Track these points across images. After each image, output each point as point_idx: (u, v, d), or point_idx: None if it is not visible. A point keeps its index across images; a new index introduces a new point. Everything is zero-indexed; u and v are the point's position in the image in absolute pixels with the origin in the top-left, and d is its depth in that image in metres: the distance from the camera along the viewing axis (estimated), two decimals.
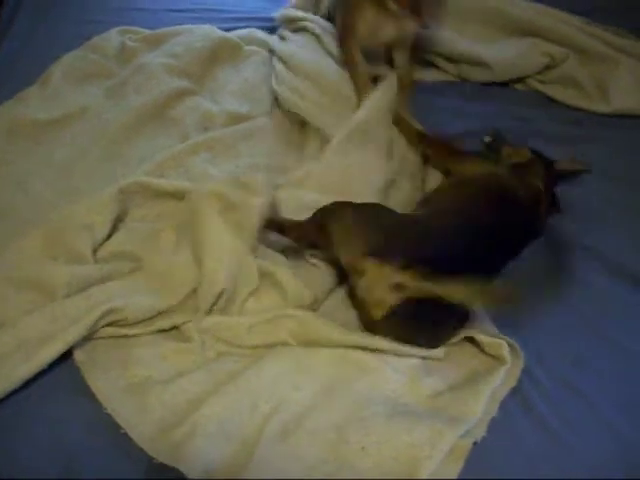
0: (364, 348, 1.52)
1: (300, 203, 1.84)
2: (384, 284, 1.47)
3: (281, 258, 1.74)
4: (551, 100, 2.46)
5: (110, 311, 1.52)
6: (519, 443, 1.41)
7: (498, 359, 1.52)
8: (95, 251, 1.72)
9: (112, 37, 2.58)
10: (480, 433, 1.39)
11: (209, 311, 1.61)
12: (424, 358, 1.53)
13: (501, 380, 1.48)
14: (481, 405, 1.41)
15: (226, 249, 1.62)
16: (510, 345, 1.52)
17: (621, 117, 2.36)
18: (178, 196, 1.87)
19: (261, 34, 2.68)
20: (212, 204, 1.71)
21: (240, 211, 1.72)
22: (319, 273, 1.72)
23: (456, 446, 1.34)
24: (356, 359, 1.49)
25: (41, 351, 1.45)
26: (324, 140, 2.11)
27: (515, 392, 1.50)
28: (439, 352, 1.54)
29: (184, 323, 1.60)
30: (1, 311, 1.55)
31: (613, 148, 2.22)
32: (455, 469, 1.33)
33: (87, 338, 1.52)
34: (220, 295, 1.60)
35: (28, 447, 1.38)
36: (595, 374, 1.56)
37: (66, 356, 1.49)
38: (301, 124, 2.23)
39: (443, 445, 1.31)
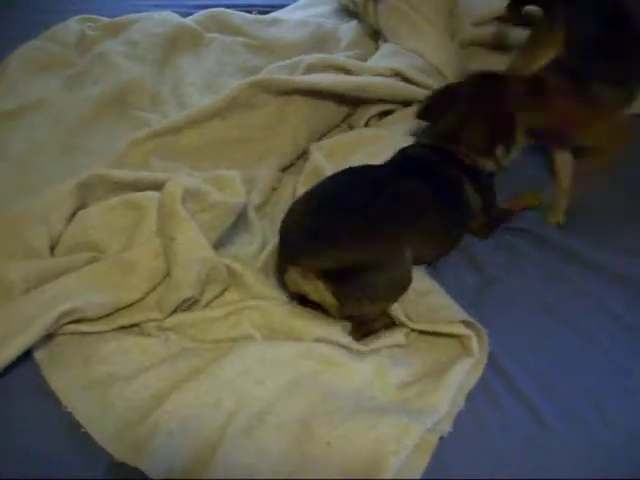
0: (327, 340, 1.51)
1: None
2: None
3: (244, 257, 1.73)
4: None
5: (69, 311, 1.48)
6: (485, 436, 1.39)
7: (465, 349, 1.51)
8: (52, 245, 1.68)
9: (71, 26, 2.56)
10: (446, 427, 1.37)
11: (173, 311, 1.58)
12: (389, 346, 1.53)
13: (467, 371, 1.46)
14: (448, 399, 1.39)
15: (196, 258, 1.56)
16: (477, 332, 1.51)
17: None
18: (139, 186, 1.82)
19: (225, 13, 2.69)
20: (186, 202, 1.66)
21: (214, 210, 1.69)
22: None
23: (422, 441, 1.33)
24: (320, 352, 1.48)
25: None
26: None
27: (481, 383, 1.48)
28: (399, 338, 1.53)
29: (146, 321, 1.57)
30: None
31: None
32: (421, 464, 1.31)
33: (46, 335, 1.48)
34: (186, 300, 1.57)
35: None
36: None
37: (25, 353, 1.45)
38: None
39: (409, 440, 1.30)
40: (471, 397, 1.44)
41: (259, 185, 1.94)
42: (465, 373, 1.45)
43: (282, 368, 1.44)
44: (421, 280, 1.63)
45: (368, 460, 1.27)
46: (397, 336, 1.54)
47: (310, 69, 2.20)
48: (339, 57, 2.31)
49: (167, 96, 2.30)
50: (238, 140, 2.08)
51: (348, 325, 1.56)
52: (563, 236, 1.85)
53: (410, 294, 1.56)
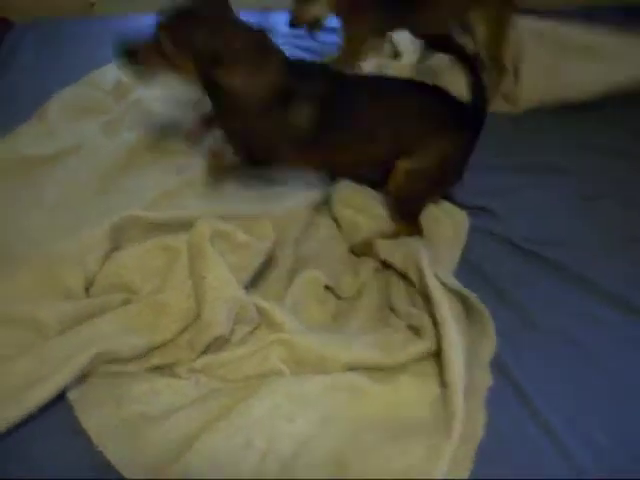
0: (356, 363, 1.52)
1: None
2: None
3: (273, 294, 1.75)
4: None
5: (103, 353, 1.50)
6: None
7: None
8: (87, 286, 1.71)
9: (109, 72, 2.62)
10: (480, 427, 1.39)
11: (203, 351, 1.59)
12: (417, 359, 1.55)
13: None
14: (460, 400, 1.40)
15: (225, 297, 1.59)
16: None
17: None
18: (172, 227, 1.86)
19: None
20: (215, 243, 1.70)
21: (243, 251, 1.72)
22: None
23: (457, 453, 1.34)
24: (348, 381, 1.48)
25: (30, 395, 1.41)
26: None
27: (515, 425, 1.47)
28: (426, 345, 1.54)
29: (177, 362, 1.58)
30: None
31: None
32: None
33: (80, 376, 1.50)
34: (216, 339, 1.58)
35: None
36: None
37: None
38: None
39: (442, 459, 1.31)
40: (503, 438, 1.43)
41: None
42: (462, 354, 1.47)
43: (311, 403, 1.44)
44: None
45: None
46: (425, 344, 1.55)
47: None
48: None
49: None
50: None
51: (374, 344, 1.57)
52: (602, 276, 1.84)
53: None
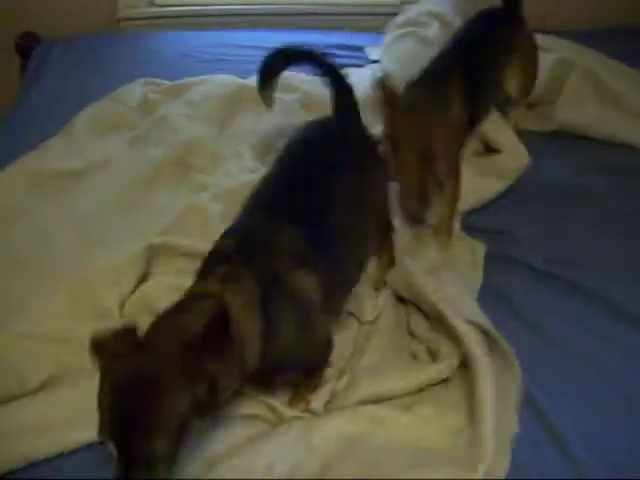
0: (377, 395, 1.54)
1: None
2: None
3: None
4: None
5: None
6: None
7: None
8: (121, 308, 1.74)
9: (135, 88, 2.66)
10: (503, 469, 1.37)
11: None
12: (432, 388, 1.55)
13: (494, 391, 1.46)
14: (492, 445, 1.38)
15: None
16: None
17: None
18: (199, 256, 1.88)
19: (287, 74, 2.73)
20: None
21: None
22: None
23: None
24: (368, 413, 1.49)
25: (70, 435, 1.40)
26: None
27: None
28: (445, 369, 1.55)
29: None
30: (26, 368, 1.54)
31: None
32: None
33: None
34: None
35: None
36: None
37: None
38: None
39: None
40: (518, 452, 1.43)
41: None
42: (494, 397, 1.45)
43: (332, 435, 1.44)
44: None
45: None
46: (438, 368, 1.56)
47: None
48: None
49: (226, 156, 2.36)
50: None
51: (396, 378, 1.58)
52: (622, 297, 1.86)
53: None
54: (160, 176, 2.28)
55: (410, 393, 1.55)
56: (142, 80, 2.71)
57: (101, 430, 1.06)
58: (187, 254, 1.87)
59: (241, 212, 1.52)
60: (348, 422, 1.47)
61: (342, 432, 1.45)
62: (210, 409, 1.16)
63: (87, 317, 1.68)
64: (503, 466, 1.38)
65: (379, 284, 1.82)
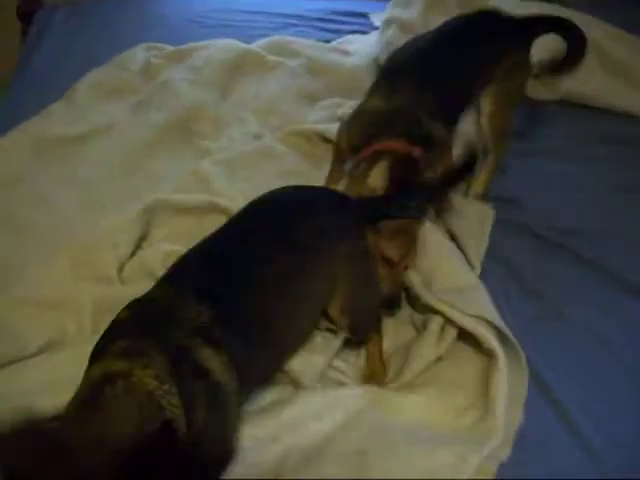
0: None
1: None
2: None
3: None
4: None
5: None
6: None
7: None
8: (120, 272, 1.74)
9: (137, 53, 2.64)
10: (505, 453, 1.37)
11: None
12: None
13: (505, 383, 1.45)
14: (502, 423, 1.39)
15: None
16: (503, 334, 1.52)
17: None
18: (202, 211, 1.89)
19: (290, 39, 2.75)
20: None
21: None
22: None
23: (482, 468, 1.33)
24: (371, 392, 1.48)
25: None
26: None
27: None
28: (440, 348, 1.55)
29: None
30: (26, 333, 1.54)
31: None
32: None
33: None
34: None
35: None
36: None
37: None
38: (322, 139, 2.24)
39: (467, 470, 1.31)
40: (524, 430, 1.44)
41: None
42: (506, 385, 1.44)
43: (342, 403, 1.45)
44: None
45: None
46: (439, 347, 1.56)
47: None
48: None
49: (229, 122, 2.34)
50: (290, 173, 2.13)
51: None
52: (626, 268, 1.85)
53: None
54: (162, 141, 2.27)
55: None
56: (144, 45, 2.69)
57: None
58: (185, 210, 1.87)
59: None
60: (351, 397, 1.47)
61: (349, 403, 1.45)
62: None
63: (87, 281, 1.68)
64: (506, 450, 1.38)
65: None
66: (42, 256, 1.75)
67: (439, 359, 1.57)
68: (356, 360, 1.63)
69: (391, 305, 1.65)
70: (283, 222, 1.40)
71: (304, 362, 1.51)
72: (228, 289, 1.26)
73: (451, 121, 1.91)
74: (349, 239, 1.46)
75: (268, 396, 1.49)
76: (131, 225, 1.80)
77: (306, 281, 1.38)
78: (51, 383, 1.34)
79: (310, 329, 1.49)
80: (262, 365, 1.32)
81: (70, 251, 1.73)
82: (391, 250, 1.61)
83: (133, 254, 1.80)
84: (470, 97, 1.97)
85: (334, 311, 1.47)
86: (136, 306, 1.24)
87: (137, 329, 1.15)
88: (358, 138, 1.82)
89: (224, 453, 1.22)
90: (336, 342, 1.58)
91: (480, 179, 2.06)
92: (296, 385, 1.52)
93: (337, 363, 1.59)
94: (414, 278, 1.67)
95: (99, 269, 1.70)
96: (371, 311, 1.58)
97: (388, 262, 1.62)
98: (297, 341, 1.44)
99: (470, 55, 1.92)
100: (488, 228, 1.92)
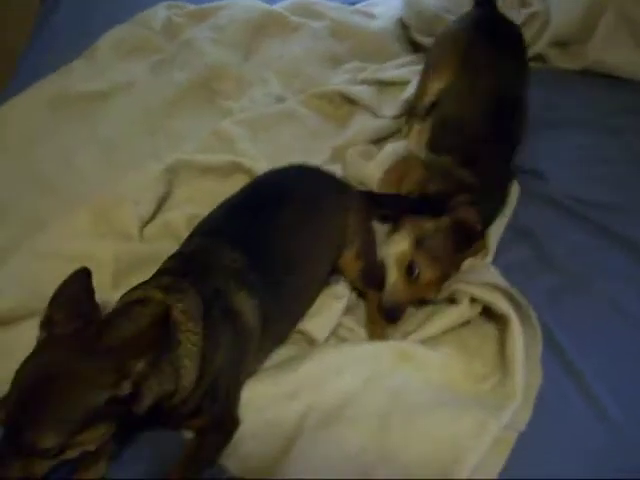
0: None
1: None
2: None
3: None
4: None
5: None
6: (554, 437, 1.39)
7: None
8: (141, 230, 1.73)
9: (159, 12, 2.60)
10: (524, 422, 1.38)
11: None
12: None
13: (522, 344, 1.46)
14: (521, 388, 1.40)
15: None
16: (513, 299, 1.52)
17: None
18: (223, 171, 1.89)
19: (314, 1, 2.71)
20: None
21: None
22: None
23: (501, 437, 1.34)
24: (399, 347, 1.49)
25: None
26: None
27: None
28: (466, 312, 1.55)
29: None
30: (48, 282, 1.52)
31: None
32: (500, 461, 1.31)
33: None
34: None
35: None
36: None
37: None
38: (345, 101, 2.23)
39: (487, 437, 1.31)
40: (542, 396, 1.44)
41: None
42: (523, 349, 1.45)
43: (362, 360, 1.46)
44: None
45: (446, 456, 1.29)
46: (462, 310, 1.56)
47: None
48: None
49: (252, 82, 2.32)
50: (312, 135, 2.13)
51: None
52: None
53: None
54: (184, 100, 2.25)
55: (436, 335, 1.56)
56: (165, 3, 2.65)
57: (1, 405, 1.01)
58: (208, 170, 1.87)
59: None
60: (379, 351, 1.48)
61: (372, 360, 1.46)
62: (127, 413, 1.08)
63: (107, 238, 1.68)
64: (524, 418, 1.39)
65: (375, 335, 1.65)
66: (63, 211, 1.75)
67: (463, 325, 1.57)
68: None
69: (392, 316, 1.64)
70: (300, 183, 1.60)
71: (316, 320, 1.55)
72: (258, 239, 1.40)
73: None
74: (356, 200, 1.67)
75: (283, 352, 1.51)
76: (153, 184, 1.80)
77: (323, 232, 1.55)
78: None
79: (323, 281, 1.61)
80: (286, 313, 1.46)
81: (91, 207, 1.72)
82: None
83: (154, 214, 1.79)
84: None
85: (348, 258, 1.61)
86: (179, 256, 1.39)
87: (180, 273, 1.28)
88: None
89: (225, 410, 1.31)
90: (345, 300, 1.62)
91: None
92: (310, 342, 1.55)
93: (346, 321, 1.61)
94: None
95: (120, 226, 1.70)
96: (377, 261, 1.71)
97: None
98: (314, 291, 1.57)
99: None
100: (513, 203, 1.91)
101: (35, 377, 1.00)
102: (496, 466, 1.30)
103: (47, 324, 1.09)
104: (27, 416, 0.99)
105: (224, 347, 1.24)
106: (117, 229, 1.69)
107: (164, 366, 1.12)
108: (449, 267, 1.65)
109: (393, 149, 2.01)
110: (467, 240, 1.66)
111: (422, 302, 1.68)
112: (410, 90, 2.19)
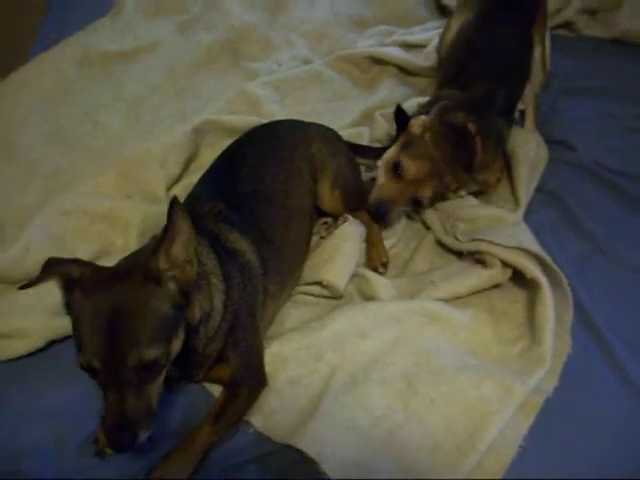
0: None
1: None
2: None
3: None
4: None
5: None
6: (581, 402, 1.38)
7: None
8: (168, 190, 1.73)
9: None
10: (551, 387, 1.37)
11: None
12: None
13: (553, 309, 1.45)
14: (550, 354, 1.39)
15: None
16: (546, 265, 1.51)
17: None
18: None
19: None
20: None
21: None
22: None
23: (527, 402, 1.33)
24: (425, 307, 1.49)
25: None
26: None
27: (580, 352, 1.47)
28: (497, 275, 1.54)
29: None
30: (75, 240, 1.57)
31: None
32: (525, 425, 1.31)
33: None
34: None
35: None
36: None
37: None
38: (373, 65, 2.21)
39: (512, 401, 1.31)
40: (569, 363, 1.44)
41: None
42: (554, 317, 1.44)
43: (387, 322, 1.45)
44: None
45: (471, 419, 1.29)
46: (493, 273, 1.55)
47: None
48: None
49: (279, 44, 2.31)
50: (339, 97, 2.12)
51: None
52: None
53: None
54: (210, 62, 2.24)
55: (466, 295, 1.56)
56: None
57: (85, 353, 1.05)
58: (236, 131, 1.84)
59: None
60: (404, 313, 1.48)
61: (397, 322, 1.46)
62: (189, 314, 1.16)
63: (134, 198, 1.68)
64: (551, 384, 1.38)
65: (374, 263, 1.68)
66: (90, 171, 1.76)
67: (491, 287, 1.56)
68: None
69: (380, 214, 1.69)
70: (266, 128, 1.71)
71: (330, 267, 1.56)
72: (232, 186, 1.49)
73: None
74: (320, 132, 1.73)
75: (306, 312, 1.53)
76: (180, 145, 1.79)
77: (288, 164, 1.60)
78: None
79: (308, 213, 1.64)
80: (279, 248, 1.48)
81: (118, 168, 1.72)
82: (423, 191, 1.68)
83: (181, 175, 1.80)
84: None
85: (326, 190, 1.68)
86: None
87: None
88: None
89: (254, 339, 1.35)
90: (356, 242, 1.64)
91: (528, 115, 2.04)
92: (333, 297, 1.56)
93: (362, 270, 1.62)
94: (459, 226, 1.67)
95: (147, 187, 1.70)
96: (357, 184, 1.76)
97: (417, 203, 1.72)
98: (301, 222, 1.60)
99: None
100: (541, 168, 1.89)
101: (108, 315, 1.05)
102: (521, 430, 1.30)
103: (70, 282, 1.10)
104: (124, 343, 1.05)
105: (235, 279, 1.31)
106: (144, 190, 1.69)
107: (199, 281, 1.21)
108: (441, 169, 1.66)
109: (417, 102, 1.99)
110: (460, 140, 1.67)
111: (416, 205, 1.72)
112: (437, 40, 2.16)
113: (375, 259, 1.67)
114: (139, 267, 1.09)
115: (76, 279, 1.09)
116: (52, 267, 1.11)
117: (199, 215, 1.39)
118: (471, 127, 1.67)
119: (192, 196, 1.50)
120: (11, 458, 1.29)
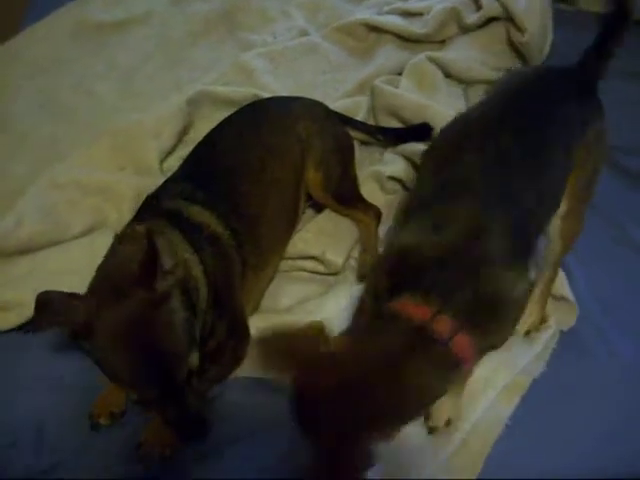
0: None
1: None
2: None
3: None
4: None
5: None
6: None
7: None
8: (162, 162, 1.72)
9: None
10: (539, 369, 1.38)
11: None
12: None
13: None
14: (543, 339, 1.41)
15: None
16: None
17: None
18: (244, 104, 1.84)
19: None
20: None
21: None
22: None
23: (513, 382, 1.34)
24: None
25: None
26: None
27: None
28: None
29: None
30: (69, 213, 1.56)
31: None
32: (510, 405, 1.32)
33: None
34: None
35: None
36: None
37: None
38: (369, 34, 2.17)
39: (497, 383, 1.32)
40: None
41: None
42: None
43: None
44: None
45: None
46: None
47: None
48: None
49: (275, 15, 2.28)
50: (335, 69, 2.09)
51: None
52: None
53: None
54: (205, 32, 2.22)
55: None
56: None
57: (139, 391, 1.08)
58: (230, 102, 1.83)
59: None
60: None
61: None
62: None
63: (127, 170, 1.67)
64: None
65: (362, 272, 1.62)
66: (83, 142, 1.74)
67: None
68: None
69: None
70: (252, 106, 1.67)
71: (326, 242, 1.57)
72: (206, 166, 1.48)
73: None
74: (309, 109, 1.67)
75: (300, 290, 1.54)
76: (174, 117, 1.77)
77: (270, 140, 1.55)
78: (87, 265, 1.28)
79: (290, 189, 1.59)
80: (254, 221, 1.46)
81: (111, 139, 1.71)
82: None
83: (175, 147, 1.78)
84: None
85: (311, 171, 1.60)
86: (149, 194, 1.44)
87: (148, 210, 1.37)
88: None
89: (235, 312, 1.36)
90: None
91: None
92: (329, 268, 1.55)
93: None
94: None
95: (140, 159, 1.68)
96: (345, 169, 1.68)
97: None
98: (282, 198, 1.56)
99: None
100: None
101: (142, 350, 1.05)
102: (507, 409, 1.31)
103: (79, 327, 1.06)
104: (171, 367, 1.07)
105: (205, 251, 1.30)
106: (137, 162, 1.68)
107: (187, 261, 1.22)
108: None
109: None
110: None
111: None
112: (438, 7, 2.11)
113: (366, 265, 1.59)
114: (145, 300, 1.06)
115: (83, 323, 1.05)
116: (50, 312, 1.04)
117: (165, 195, 1.39)
118: None
119: (167, 181, 1.47)
120: (7, 432, 1.29)
